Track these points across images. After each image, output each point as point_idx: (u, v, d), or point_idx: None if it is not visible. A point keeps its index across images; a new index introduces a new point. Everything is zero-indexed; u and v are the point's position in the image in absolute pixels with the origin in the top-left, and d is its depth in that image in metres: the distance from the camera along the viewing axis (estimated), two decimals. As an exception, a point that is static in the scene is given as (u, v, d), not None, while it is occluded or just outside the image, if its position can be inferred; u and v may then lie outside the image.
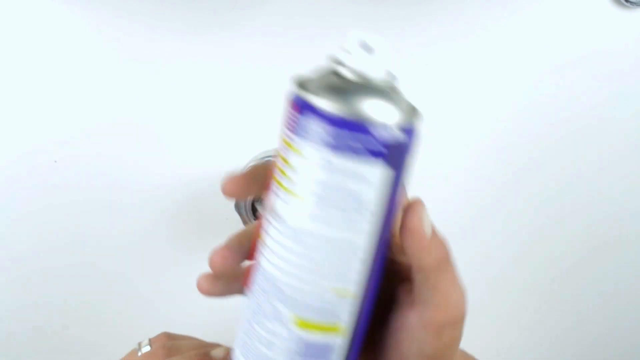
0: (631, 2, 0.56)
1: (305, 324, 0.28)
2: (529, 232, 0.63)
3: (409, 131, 0.27)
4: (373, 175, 0.27)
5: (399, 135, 0.27)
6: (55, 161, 0.57)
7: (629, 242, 0.66)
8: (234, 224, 0.57)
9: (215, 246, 0.32)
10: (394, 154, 0.27)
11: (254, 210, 0.53)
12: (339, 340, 0.29)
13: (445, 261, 0.30)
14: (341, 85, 0.27)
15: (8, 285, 0.60)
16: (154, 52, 0.55)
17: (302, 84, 0.28)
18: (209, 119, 0.57)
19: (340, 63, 0.28)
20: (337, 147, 0.26)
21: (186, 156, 0.58)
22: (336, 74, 0.28)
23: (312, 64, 0.57)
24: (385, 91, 0.28)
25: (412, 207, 0.29)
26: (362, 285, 0.28)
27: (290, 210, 0.27)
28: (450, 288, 0.30)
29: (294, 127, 0.27)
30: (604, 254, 0.65)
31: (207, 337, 0.65)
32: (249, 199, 0.53)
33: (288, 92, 0.28)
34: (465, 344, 0.35)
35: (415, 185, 0.60)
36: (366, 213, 0.27)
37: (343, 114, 0.26)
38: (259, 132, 0.58)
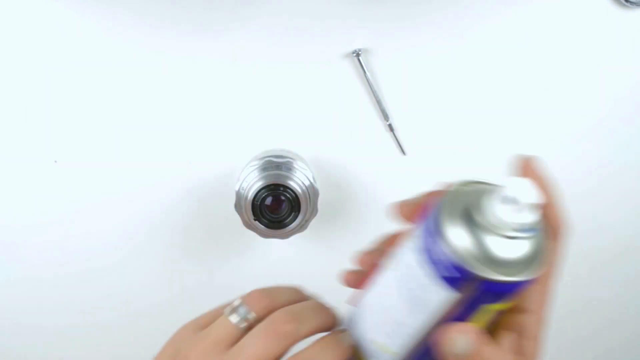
0: (631, 2, 0.56)
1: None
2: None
3: (491, 284, 0.30)
4: (436, 288, 0.31)
5: (470, 277, 0.30)
6: (56, 161, 0.57)
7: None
8: (234, 224, 0.56)
9: (364, 248, 0.39)
10: (458, 285, 0.31)
11: (254, 211, 0.53)
12: None
13: None
14: (469, 227, 0.31)
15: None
16: (154, 51, 0.55)
17: (444, 204, 0.32)
18: (209, 118, 0.57)
19: (479, 205, 0.31)
20: (436, 265, 0.31)
21: (186, 156, 0.58)
22: (469, 211, 0.31)
23: (311, 63, 0.57)
24: (509, 243, 0.30)
25: None
26: (402, 353, 0.35)
27: (386, 275, 0.35)
28: None
29: (415, 230, 0.33)
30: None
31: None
32: (249, 199, 0.53)
33: (433, 201, 0.33)
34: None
35: (410, 188, 0.60)
36: (422, 305, 0.32)
37: (440, 232, 0.30)
38: (259, 131, 0.58)
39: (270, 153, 0.56)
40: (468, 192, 0.33)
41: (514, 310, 0.34)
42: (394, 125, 0.58)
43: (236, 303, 0.39)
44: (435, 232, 0.31)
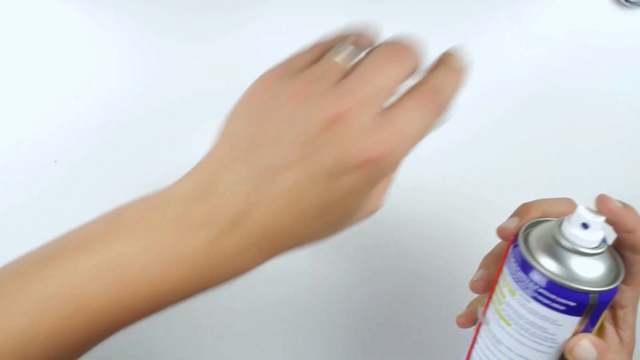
0: (631, 2, 0.56)
1: None
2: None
3: (606, 294, 0.36)
4: (561, 320, 0.36)
5: (596, 300, 0.35)
6: (56, 161, 0.57)
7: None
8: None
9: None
10: (587, 310, 0.36)
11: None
12: None
13: None
14: (557, 254, 0.36)
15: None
16: (153, 51, 0.55)
17: (526, 237, 0.38)
18: (209, 118, 0.57)
19: (562, 233, 0.37)
20: (542, 301, 0.36)
21: (186, 156, 0.58)
22: (556, 241, 0.37)
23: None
24: (593, 261, 0.36)
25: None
26: None
27: (498, 327, 0.39)
28: None
29: (514, 275, 0.37)
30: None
31: (204, 333, 0.65)
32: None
33: (515, 242, 0.38)
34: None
35: (410, 188, 0.60)
36: (551, 342, 0.37)
37: (553, 279, 0.35)
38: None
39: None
40: (540, 233, 0.38)
41: (613, 308, 0.40)
42: (394, 125, 0.58)
43: (340, 46, 0.36)
44: (539, 275, 0.36)
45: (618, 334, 0.40)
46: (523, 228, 0.39)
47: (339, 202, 0.35)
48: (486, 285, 0.41)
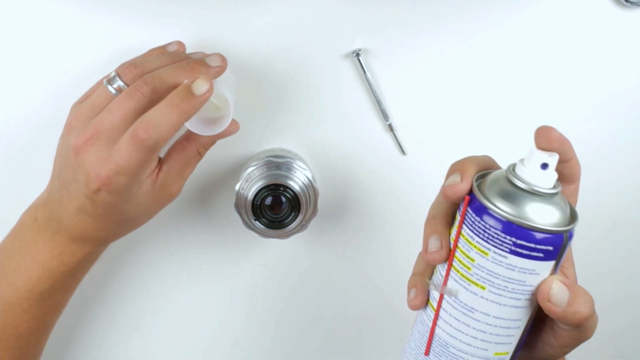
0: (631, 2, 0.56)
1: None
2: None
3: (572, 231, 0.35)
4: (539, 268, 0.34)
5: (567, 239, 0.34)
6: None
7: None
8: (234, 224, 0.57)
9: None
10: (561, 252, 0.35)
11: (254, 211, 0.53)
12: None
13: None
14: (515, 194, 0.35)
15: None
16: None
17: (483, 191, 0.36)
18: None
19: (521, 178, 0.35)
20: (521, 253, 0.34)
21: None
22: (512, 183, 0.35)
23: (311, 63, 0.57)
24: (554, 201, 0.35)
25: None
26: (515, 345, 0.37)
27: (469, 295, 0.36)
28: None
29: (483, 234, 0.35)
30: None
31: (202, 332, 0.65)
32: (249, 199, 0.53)
33: (470, 196, 0.36)
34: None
35: (410, 188, 0.60)
36: (528, 294, 0.35)
37: (519, 223, 0.34)
38: (259, 130, 0.58)
39: (270, 153, 0.56)
40: (495, 184, 0.36)
41: None
42: (394, 125, 0.58)
43: (112, 74, 0.47)
44: (514, 226, 0.34)
45: (563, 272, 0.39)
46: (475, 184, 0.36)
47: (109, 210, 0.46)
48: (448, 253, 0.37)
